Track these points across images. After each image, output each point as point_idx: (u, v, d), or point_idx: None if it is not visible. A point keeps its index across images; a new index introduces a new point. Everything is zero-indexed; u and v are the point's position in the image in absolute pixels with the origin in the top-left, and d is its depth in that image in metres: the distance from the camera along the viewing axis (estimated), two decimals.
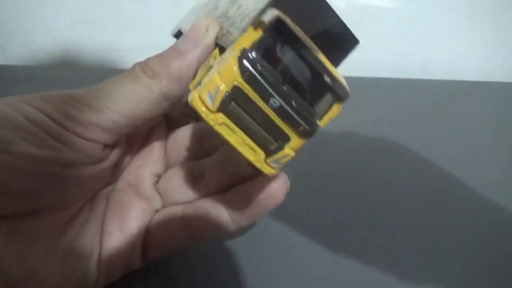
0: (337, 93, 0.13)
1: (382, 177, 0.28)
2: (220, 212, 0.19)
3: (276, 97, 0.12)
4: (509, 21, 0.47)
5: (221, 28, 0.17)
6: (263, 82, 0.12)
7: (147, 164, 0.21)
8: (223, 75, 0.12)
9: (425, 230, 0.24)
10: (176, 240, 0.20)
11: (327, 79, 0.13)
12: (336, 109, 0.14)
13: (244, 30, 0.13)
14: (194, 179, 0.21)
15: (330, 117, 0.14)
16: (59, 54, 0.50)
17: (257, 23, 0.12)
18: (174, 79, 0.16)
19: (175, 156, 0.22)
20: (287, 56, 0.13)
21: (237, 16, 0.16)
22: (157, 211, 0.21)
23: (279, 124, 0.13)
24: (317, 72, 0.13)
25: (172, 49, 0.17)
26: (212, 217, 0.19)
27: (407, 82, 0.44)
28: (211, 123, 0.12)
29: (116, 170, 0.21)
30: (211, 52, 0.17)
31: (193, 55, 0.17)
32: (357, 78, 0.40)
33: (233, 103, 0.12)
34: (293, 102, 0.13)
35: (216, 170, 0.20)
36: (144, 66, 0.17)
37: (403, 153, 0.31)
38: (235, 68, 0.12)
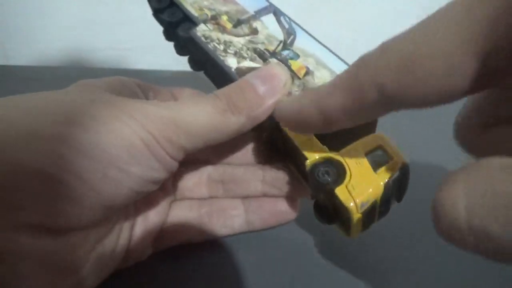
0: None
1: None
2: (238, 214, 0.21)
3: (384, 206, 0.18)
4: None
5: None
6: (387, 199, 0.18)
7: None
8: (372, 192, 0.17)
9: (424, 230, 0.24)
10: (189, 234, 0.21)
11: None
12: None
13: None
14: (211, 180, 0.22)
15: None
16: (60, 54, 0.50)
17: (395, 164, 0.18)
18: (251, 119, 0.18)
19: (196, 155, 0.22)
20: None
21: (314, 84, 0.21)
22: (171, 202, 0.22)
23: (376, 217, 0.18)
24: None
25: (252, 90, 0.18)
26: (229, 217, 0.21)
27: None
28: (354, 218, 0.17)
29: None
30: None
31: (272, 103, 0.18)
32: None
33: (368, 209, 0.17)
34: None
35: (244, 181, 0.21)
36: (229, 100, 0.18)
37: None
38: (381, 191, 0.17)
